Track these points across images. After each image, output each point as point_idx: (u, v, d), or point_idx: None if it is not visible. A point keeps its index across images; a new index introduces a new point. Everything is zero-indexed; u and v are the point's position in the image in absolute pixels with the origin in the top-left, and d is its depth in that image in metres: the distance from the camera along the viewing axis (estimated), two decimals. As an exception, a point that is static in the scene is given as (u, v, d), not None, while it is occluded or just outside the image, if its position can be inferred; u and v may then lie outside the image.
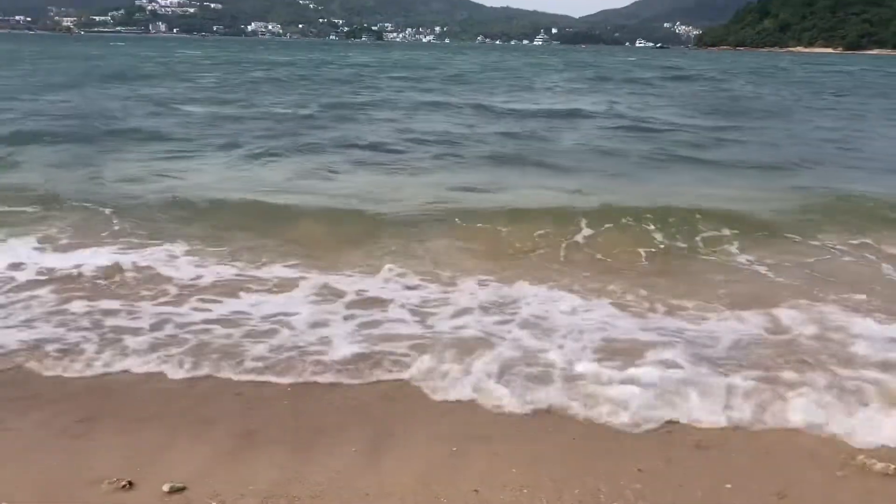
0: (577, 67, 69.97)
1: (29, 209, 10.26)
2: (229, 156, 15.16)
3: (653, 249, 9.11)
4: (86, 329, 6.34)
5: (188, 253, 8.55)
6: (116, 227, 9.56)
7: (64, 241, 8.97)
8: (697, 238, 9.47)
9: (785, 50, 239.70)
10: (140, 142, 16.83)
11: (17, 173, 13.02)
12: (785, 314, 6.89)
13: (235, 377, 5.56)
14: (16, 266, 7.89)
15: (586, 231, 9.58)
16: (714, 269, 8.47)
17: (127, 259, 8.17)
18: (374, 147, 16.68)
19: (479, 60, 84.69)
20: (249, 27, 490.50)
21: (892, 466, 4.49)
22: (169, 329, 6.37)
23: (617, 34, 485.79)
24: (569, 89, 38.75)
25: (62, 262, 8.08)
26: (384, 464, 4.46)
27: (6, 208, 10.30)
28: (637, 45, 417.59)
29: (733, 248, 9.16)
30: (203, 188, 11.81)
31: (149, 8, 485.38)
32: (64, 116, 20.72)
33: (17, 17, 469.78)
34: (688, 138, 19.67)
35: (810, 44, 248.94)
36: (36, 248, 8.62)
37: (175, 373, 5.64)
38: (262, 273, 7.93)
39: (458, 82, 42.12)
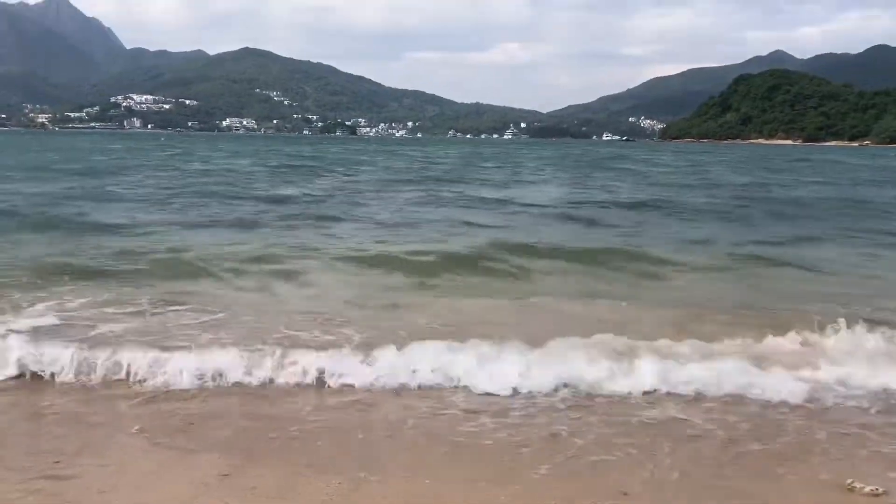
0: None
1: None
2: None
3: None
4: None
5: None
6: None
7: None
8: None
9: (747, 142, 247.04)
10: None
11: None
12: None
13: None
14: None
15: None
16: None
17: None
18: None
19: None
20: (224, 122, 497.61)
21: None
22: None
23: (584, 128, 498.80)
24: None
25: None
26: None
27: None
28: (604, 137, 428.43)
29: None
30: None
31: (124, 104, 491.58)
32: None
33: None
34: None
35: (771, 136, 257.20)
36: None
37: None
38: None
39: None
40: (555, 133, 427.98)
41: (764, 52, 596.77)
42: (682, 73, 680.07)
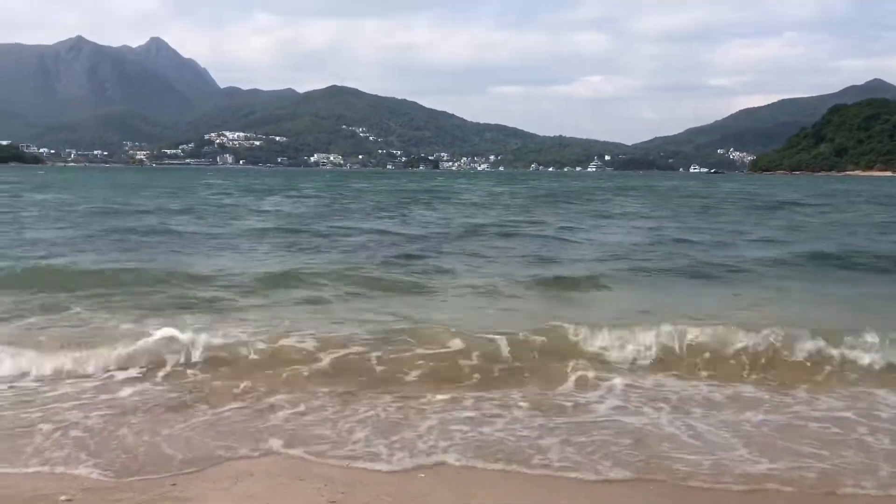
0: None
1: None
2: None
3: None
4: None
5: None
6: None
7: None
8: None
9: (843, 174, 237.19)
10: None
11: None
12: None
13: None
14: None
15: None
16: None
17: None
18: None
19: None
20: (312, 158, 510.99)
21: None
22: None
23: (670, 160, 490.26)
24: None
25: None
26: None
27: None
28: (691, 170, 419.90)
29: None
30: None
31: (217, 141, 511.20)
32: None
33: (95, 152, 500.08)
34: None
35: (868, 167, 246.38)
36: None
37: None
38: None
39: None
40: (640, 165, 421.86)
41: (860, 82, 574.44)
42: (772, 105, 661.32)
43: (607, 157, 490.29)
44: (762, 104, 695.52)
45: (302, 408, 7.19)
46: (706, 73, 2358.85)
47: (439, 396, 7.59)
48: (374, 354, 8.77)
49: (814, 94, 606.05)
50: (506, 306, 12.19)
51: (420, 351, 8.93)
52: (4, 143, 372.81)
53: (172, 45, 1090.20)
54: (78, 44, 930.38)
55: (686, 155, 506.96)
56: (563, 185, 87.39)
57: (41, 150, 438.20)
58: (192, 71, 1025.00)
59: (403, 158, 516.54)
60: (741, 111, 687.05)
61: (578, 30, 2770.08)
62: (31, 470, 5.73)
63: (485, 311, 11.85)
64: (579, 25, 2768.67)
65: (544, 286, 14.15)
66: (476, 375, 8.37)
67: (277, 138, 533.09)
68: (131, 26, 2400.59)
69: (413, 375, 8.30)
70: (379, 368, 8.45)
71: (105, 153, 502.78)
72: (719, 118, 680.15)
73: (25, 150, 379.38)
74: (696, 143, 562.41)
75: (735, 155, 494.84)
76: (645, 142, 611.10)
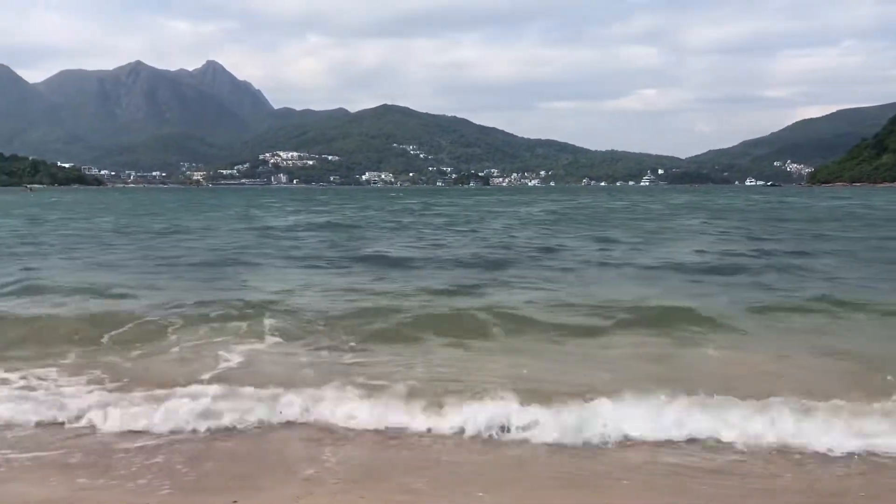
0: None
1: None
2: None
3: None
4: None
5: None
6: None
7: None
8: None
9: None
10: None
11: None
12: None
13: None
14: None
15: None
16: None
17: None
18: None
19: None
20: (363, 176, 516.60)
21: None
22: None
23: (725, 173, 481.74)
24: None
25: None
26: None
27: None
28: (747, 183, 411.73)
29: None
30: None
31: (271, 161, 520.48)
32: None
33: (153, 173, 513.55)
34: None
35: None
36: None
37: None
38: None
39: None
40: (694, 179, 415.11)
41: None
42: (831, 115, 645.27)
43: (660, 171, 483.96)
44: (820, 115, 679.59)
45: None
46: (761, 85, 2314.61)
47: None
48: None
49: (875, 104, 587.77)
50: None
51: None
52: (67, 165, 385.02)
53: (228, 68, 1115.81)
54: (137, 68, 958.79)
55: (741, 168, 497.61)
56: (630, 201, 79.93)
57: (102, 172, 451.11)
58: (247, 93, 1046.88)
59: (454, 175, 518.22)
60: (798, 122, 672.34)
61: (628, 43, 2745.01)
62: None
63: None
64: (629, 39, 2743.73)
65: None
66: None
67: (330, 157, 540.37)
68: (188, 51, 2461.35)
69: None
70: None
71: (163, 174, 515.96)
72: (775, 130, 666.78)
73: (87, 173, 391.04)
74: (752, 156, 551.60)
75: (792, 167, 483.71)
76: (699, 155, 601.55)
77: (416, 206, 71.31)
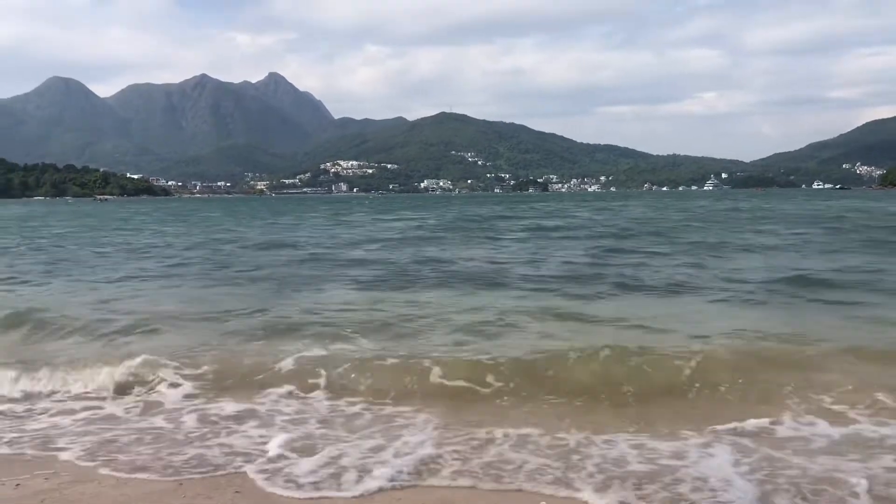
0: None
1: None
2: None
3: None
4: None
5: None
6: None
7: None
8: None
9: None
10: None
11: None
12: None
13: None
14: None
15: None
16: None
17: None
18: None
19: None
20: (421, 184, 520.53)
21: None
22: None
23: (791, 177, 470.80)
24: None
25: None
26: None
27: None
28: (814, 186, 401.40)
29: None
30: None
31: (332, 170, 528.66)
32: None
33: (218, 183, 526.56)
34: None
35: None
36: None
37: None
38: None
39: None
40: (759, 183, 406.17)
41: None
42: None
43: (724, 175, 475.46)
44: (891, 115, 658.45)
45: None
46: (827, 86, 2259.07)
47: None
48: None
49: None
50: None
51: None
52: (136, 177, 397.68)
53: (289, 79, 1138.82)
54: (202, 81, 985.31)
55: (808, 171, 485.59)
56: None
57: (169, 183, 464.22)
58: (308, 103, 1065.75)
59: (512, 182, 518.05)
60: (868, 123, 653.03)
61: (687, 46, 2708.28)
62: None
63: None
64: (688, 42, 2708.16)
65: None
66: None
67: (389, 165, 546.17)
68: (250, 62, 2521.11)
69: None
70: None
71: (228, 184, 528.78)
72: (844, 131, 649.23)
73: (155, 184, 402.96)
74: (819, 159, 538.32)
75: (862, 169, 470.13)
76: (763, 158, 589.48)
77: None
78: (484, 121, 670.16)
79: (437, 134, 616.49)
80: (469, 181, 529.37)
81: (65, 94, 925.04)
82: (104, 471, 5.76)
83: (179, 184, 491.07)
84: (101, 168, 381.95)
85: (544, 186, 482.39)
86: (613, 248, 23.70)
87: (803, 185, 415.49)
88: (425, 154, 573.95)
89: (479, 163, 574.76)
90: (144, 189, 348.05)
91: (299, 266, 19.40)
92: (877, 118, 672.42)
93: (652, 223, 39.68)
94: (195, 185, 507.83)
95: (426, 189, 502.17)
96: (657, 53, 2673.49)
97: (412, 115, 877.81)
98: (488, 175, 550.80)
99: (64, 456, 6.09)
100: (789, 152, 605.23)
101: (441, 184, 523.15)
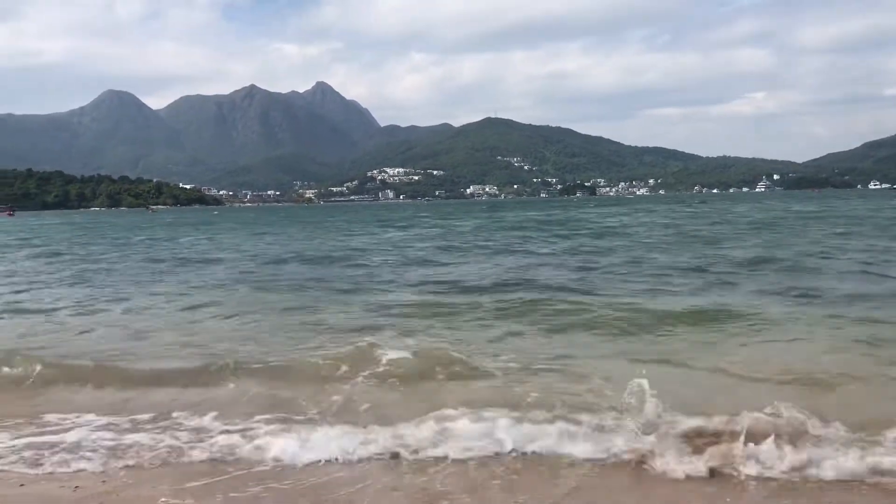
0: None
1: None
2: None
3: None
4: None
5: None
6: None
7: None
8: None
9: None
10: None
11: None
12: None
13: None
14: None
15: None
16: None
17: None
18: None
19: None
20: (468, 190, 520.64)
21: None
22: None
23: (846, 177, 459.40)
24: None
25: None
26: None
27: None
28: (870, 186, 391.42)
29: None
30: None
31: (379, 178, 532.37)
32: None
33: (268, 192, 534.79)
34: None
35: None
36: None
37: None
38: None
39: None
40: (813, 184, 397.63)
41: None
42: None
43: (776, 177, 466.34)
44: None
45: None
46: (882, 83, 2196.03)
47: None
48: None
49: None
50: None
51: None
52: (188, 186, 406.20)
53: (336, 88, 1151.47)
54: (251, 92, 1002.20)
55: (863, 171, 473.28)
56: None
57: (220, 193, 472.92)
58: (355, 111, 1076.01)
59: (559, 186, 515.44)
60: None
61: (734, 46, 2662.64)
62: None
63: None
64: (735, 42, 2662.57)
65: None
66: None
67: (435, 172, 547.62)
68: (298, 72, 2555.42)
69: None
70: None
71: (277, 193, 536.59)
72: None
73: (206, 193, 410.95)
74: (875, 158, 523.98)
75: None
76: (816, 159, 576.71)
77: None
78: (530, 125, 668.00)
79: (482, 139, 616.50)
80: (515, 186, 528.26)
81: (118, 106, 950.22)
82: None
83: (230, 193, 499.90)
84: (154, 178, 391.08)
85: (592, 190, 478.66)
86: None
87: (858, 186, 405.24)
88: (471, 160, 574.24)
89: (526, 167, 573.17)
90: (196, 199, 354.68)
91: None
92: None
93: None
94: (245, 195, 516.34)
95: (472, 195, 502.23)
96: (703, 55, 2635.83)
97: (457, 122, 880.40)
98: (535, 180, 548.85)
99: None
100: (843, 152, 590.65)
101: (487, 189, 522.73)
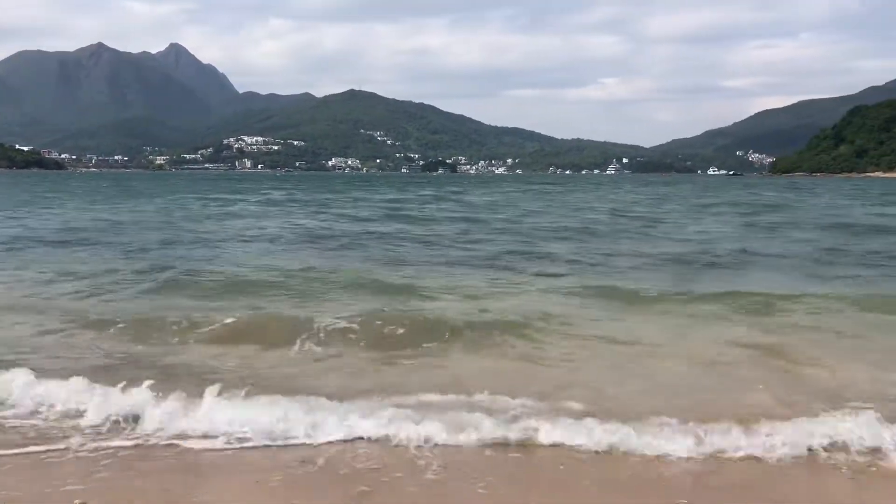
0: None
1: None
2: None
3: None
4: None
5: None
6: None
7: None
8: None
9: (864, 175, 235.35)
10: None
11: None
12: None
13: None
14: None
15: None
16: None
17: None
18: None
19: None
20: (329, 162, 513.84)
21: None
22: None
23: (688, 162, 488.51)
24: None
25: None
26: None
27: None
28: (709, 172, 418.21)
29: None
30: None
31: (236, 146, 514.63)
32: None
33: (115, 157, 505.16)
34: None
35: (890, 168, 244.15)
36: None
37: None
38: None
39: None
40: (659, 168, 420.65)
41: (880, 82, 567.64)
42: (791, 106, 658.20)
43: (625, 160, 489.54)
44: (780, 105, 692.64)
45: None
46: (722, 75, 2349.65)
47: None
48: None
49: (833, 96, 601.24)
50: None
51: None
52: (26, 148, 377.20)
53: (191, 50, 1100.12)
54: (98, 51, 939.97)
55: (705, 157, 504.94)
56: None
57: (62, 156, 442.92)
58: (212, 76, 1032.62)
59: (421, 162, 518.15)
60: (759, 113, 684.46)
61: (591, 32, 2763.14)
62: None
63: None
64: (591, 28, 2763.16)
65: None
66: None
67: (295, 143, 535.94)
68: (151, 32, 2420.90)
69: None
70: None
71: (125, 158, 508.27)
72: (737, 120, 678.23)
73: (47, 157, 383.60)
74: (715, 146, 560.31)
75: (754, 157, 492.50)
76: (663, 144, 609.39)
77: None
78: (394, 100, 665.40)
79: (345, 111, 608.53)
80: (378, 160, 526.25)
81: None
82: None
83: (73, 157, 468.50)
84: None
85: (453, 167, 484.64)
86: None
87: (699, 171, 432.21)
88: (334, 131, 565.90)
89: (389, 142, 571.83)
90: (35, 162, 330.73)
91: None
92: (768, 108, 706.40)
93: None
94: (91, 159, 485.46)
95: (334, 167, 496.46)
96: (562, 38, 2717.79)
97: (320, 92, 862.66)
98: (397, 155, 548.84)
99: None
100: (687, 139, 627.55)
101: (350, 162, 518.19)
